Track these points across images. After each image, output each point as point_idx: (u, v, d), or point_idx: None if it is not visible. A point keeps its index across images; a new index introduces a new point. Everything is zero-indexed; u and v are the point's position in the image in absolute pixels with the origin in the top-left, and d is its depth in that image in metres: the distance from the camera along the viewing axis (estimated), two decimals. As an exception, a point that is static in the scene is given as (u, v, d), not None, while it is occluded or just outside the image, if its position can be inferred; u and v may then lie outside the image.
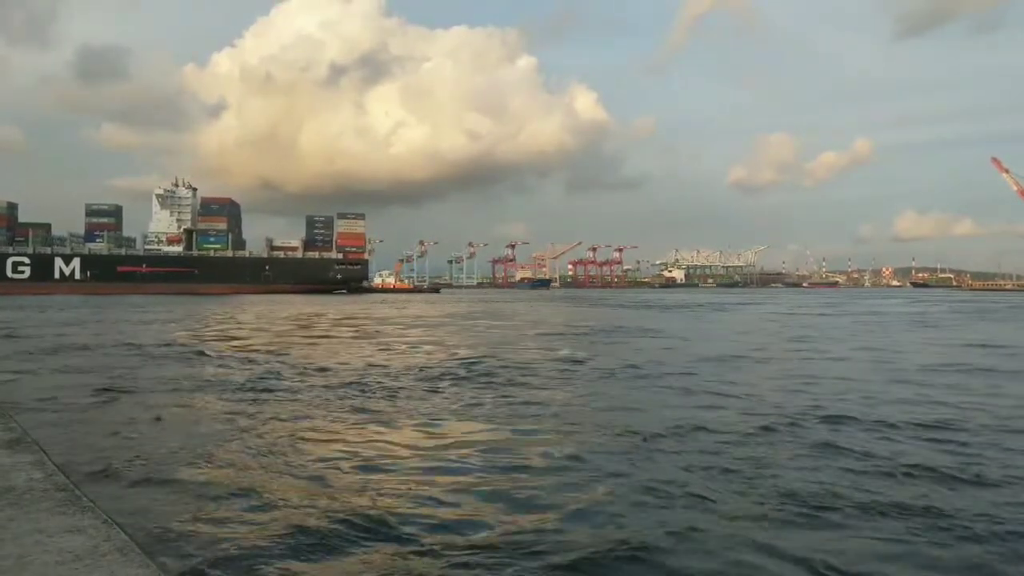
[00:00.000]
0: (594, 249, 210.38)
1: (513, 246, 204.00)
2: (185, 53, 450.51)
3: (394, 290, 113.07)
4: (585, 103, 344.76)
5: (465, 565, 4.41)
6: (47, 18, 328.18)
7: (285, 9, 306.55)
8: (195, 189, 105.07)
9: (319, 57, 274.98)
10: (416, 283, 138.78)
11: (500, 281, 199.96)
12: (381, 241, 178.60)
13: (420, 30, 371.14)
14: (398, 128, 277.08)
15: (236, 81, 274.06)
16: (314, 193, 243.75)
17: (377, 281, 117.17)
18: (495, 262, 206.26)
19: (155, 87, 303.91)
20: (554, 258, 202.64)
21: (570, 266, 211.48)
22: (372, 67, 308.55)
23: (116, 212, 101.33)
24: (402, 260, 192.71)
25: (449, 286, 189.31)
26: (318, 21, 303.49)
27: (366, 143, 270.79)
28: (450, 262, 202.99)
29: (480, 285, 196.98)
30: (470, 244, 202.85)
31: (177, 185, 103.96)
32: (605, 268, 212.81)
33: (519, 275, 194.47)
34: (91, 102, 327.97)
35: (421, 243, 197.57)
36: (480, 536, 4.90)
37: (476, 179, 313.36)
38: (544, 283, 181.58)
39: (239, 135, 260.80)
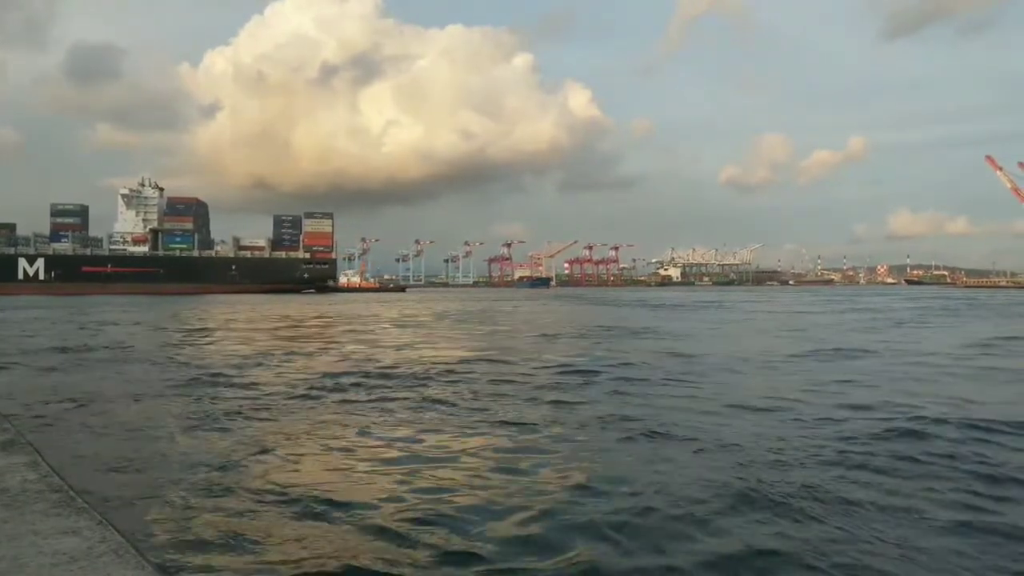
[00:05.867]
0: (590, 248, 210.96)
1: (509, 245, 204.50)
2: (181, 53, 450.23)
3: (359, 289, 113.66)
4: (580, 102, 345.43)
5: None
6: (44, 20, 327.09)
7: (280, 8, 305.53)
8: (162, 189, 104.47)
9: (314, 56, 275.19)
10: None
11: (497, 280, 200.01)
12: (377, 240, 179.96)
13: (416, 29, 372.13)
14: (393, 127, 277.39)
15: (230, 80, 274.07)
16: (309, 193, 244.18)
17: (343, 280, 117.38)
18: (491, 261, 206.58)
19: (150, 87, 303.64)
20: (550, 257, 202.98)
21: (566, 265, 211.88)
22: (367, 66, 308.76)
23: (82, 212, 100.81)
24: (398, 259, 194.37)
25: (445, 285, 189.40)
26: (313, 20, 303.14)
27: (361, 142, 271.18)
28: (446, 261, 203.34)
29: (476, 284, 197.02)
30: (466, 243, 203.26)
31: (143, 185, 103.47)
32: (601, 267, 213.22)
33: (517, 274, 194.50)
34: (86, 102, 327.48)
35: (417, 242, 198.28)
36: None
37: (472, 178, 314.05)
38: (544, 282, 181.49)
39: (233, 135, 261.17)
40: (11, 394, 10.77)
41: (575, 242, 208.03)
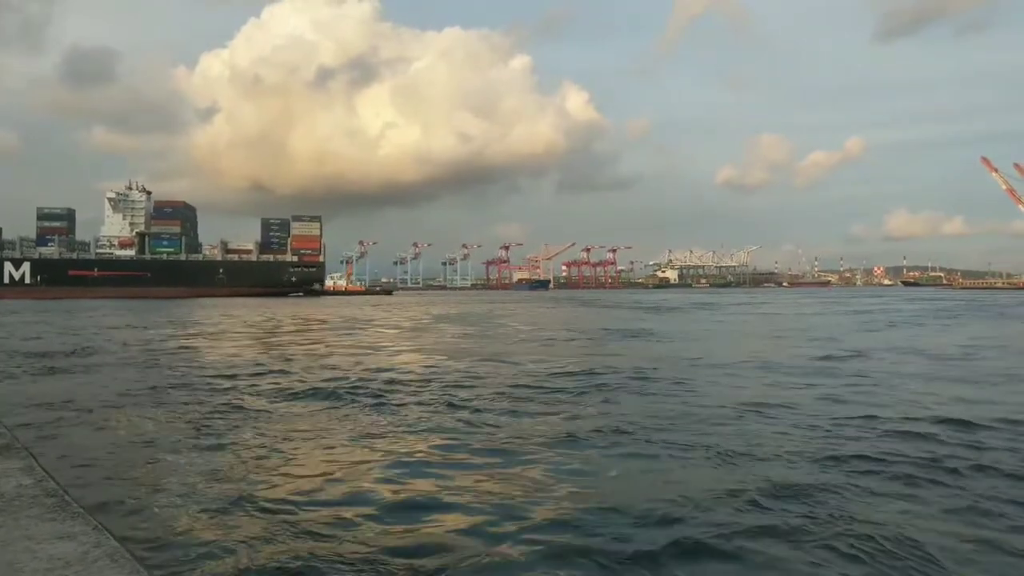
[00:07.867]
0: (588, 250, 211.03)
1: (507, 247, 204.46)
2: (177, 56, 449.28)
3: (345, 292, 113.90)
4: (578, 103, 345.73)
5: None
6: (40, 22, 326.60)
7: (277, 11, 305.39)
8: (149, 192, 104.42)
9: (311, 59, 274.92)
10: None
11: (495, 283, 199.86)
12: (375, 243, 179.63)
13: (413, 31, 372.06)
14: (390, 130, 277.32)
15: (227, 83, 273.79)
16: (306, 195, 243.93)
17: (329, 283, 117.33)
18: (489, 263, 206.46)
19: (146, 90, 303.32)
20: (548, 259, 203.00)
21: (564, 267, 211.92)
22: (364, 69, 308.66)
23: (68, 216, 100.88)
24: (396, 262, 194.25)
25: (443, 287, 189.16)
26: (310, 23, 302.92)
27: (358, 145, 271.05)
28: (444, 264, 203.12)
29: (474, 286, 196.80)
30: (464, 246, 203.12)
31: (131, 188, 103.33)
32: (599, 269, 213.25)
33: (516, 276, 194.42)
34: (82, 105, 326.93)
35: (415, 245, 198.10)
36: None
37: (470, 180, 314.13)
38: (543, 284, 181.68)
39: (230, 138, 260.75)
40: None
41: (573, 244, 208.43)
